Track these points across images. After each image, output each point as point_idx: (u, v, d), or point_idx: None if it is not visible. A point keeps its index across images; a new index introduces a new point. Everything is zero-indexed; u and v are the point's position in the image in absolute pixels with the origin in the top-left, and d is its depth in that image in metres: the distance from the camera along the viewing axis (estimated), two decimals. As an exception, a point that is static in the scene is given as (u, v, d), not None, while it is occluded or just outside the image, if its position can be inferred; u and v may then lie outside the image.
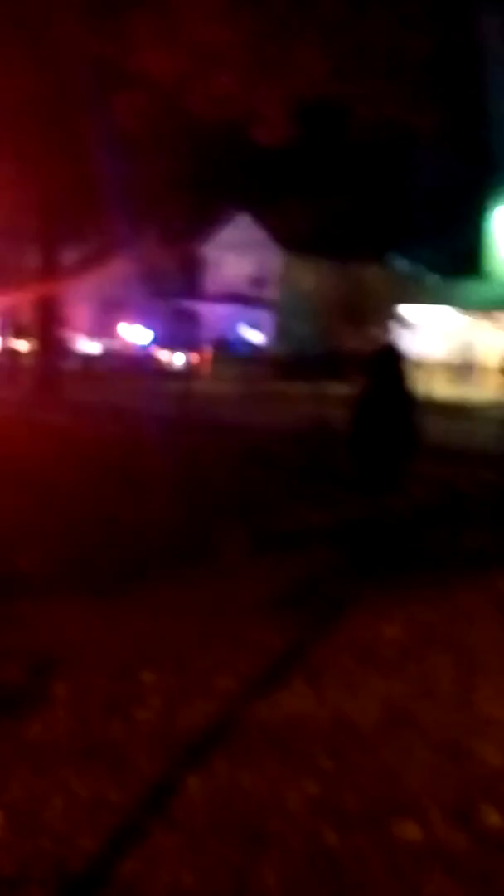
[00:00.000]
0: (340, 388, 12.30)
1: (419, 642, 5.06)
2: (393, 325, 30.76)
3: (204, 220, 37.94)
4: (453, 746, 3.80)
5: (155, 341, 39.16)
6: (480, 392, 21.75)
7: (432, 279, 37.22)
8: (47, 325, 22.84)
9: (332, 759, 3.66)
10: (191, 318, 43.48)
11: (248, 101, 6.19)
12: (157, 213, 24.10)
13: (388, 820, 3.22)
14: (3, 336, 32.69)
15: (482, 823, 3.23)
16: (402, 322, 32.32)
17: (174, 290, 43.51)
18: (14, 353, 30.25)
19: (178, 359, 35.72)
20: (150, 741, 3.71)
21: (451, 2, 5.63)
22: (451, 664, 4.74)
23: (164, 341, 37.78)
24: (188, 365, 33.89)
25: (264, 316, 43.40)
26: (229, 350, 36.44)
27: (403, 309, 31.46)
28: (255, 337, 42.72)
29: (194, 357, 35.03)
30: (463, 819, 3.25)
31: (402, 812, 3.27)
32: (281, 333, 41.28)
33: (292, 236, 40.68)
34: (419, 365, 11.24)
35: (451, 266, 36.56)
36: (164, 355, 36.26)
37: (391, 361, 9.79)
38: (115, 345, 39.27)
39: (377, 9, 5.31)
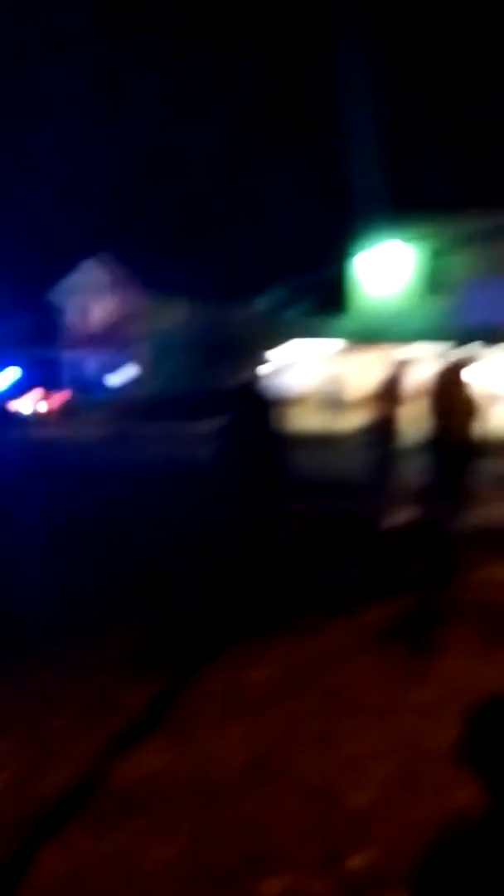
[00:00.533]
0: (205, 427, 12.27)
1: (287, 685, 4.97)
2: (258, 363, 31.14)
3: (61, 262, 37.73)
4: (319, 790, 3.72)
5: (14, 388, 38.56)
6: (347, 423, 22.20)
7: (297, 316, 38.00)
8: None
9: (194, 815, 3.52)
10: (51, 364, 42.97)
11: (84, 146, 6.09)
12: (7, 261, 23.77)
13: (252, 875, 3.10)
14: None
15: (347, 868, 3.15)
16: (267, 359, 32.76)
17: (32, 337, 43.02)
18: None
19: (39, 405, 35.27)
20: (-1, 818, 3.49)
21: (303, 35, 5.66)
22: (319, 705, 4.67)
23: (23, 388, 37.23)
24: (47, 410, 33.47)
25: (130, 357, 43.19)
26: (91, 393, 36.17)
27: (269, 346, 31.92)
28: (118, 379, 42.46)
29: (54, 402, 34.64)
30: (328, 865, 3.16)
31: (266, 864, 3.16)
32: (144, 375, 41.20)
33: (152, 277, 40.83)
34: (285, 400, 11.28)
35: (315, 303, 37.53)
36: (22, 402, 35.74)
37: (253, 398, 9.78)
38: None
39: (210, 48, 5.30)
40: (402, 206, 31.36)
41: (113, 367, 43.00)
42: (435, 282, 33.90)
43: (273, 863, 3.19)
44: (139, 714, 4.56)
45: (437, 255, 33.50)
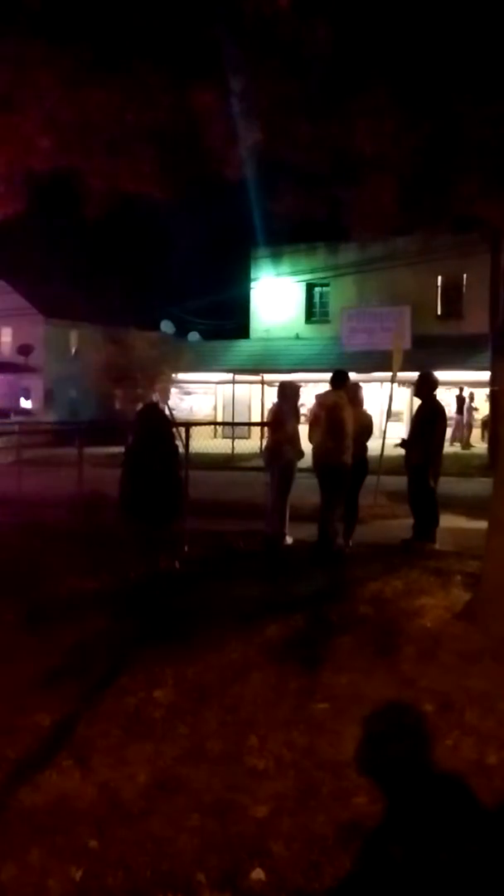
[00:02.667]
0: (111, 451, 12.27)
1: (189, 702, 5.03)
2: (161, 387, 31.24)
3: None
4: (221, 805, 3.79)
5: None
6: (246, 445, 22.51)
7: (198, 341, 38.45)
8: None
9: (97, 837, 3.55)
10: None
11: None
12: None
13: (155, 893, 3.15)
14: None
15: (248, 881, 3.23)
16: (170, 383, 32.93)
17: None
18: None
19: None
20: None
21: (182, 71, 5.85)
22: (220, 720, 4.75)
23: None
24: None
25: (34, 383, 42.71)
26: (-1, 419, 35.51)
27: (171, 370, 32.17)
28: (25, 404, 41.93)
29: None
30: (229, 880, 3.23)
31: (168, 883, 3.21)
32: (50, 400, 40.83)
33: (54, 303, 40.58)
34: (187, 423, 11.36)
35: (217, 328, 38.11)
36: None
37: (154, 421, 9.84)
38: None
39: (97, 82, 5.42)
40: (283, 237, 32.30)
41: (19, 393, 42.36)
42: (318, 311, 35.10)
43: (177, 880, 3.24)
44: (43, 738, 4.55)
45: (318, 285, 34.65)
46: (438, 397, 10.34)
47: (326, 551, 9.32)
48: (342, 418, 9.39)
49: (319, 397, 9.93)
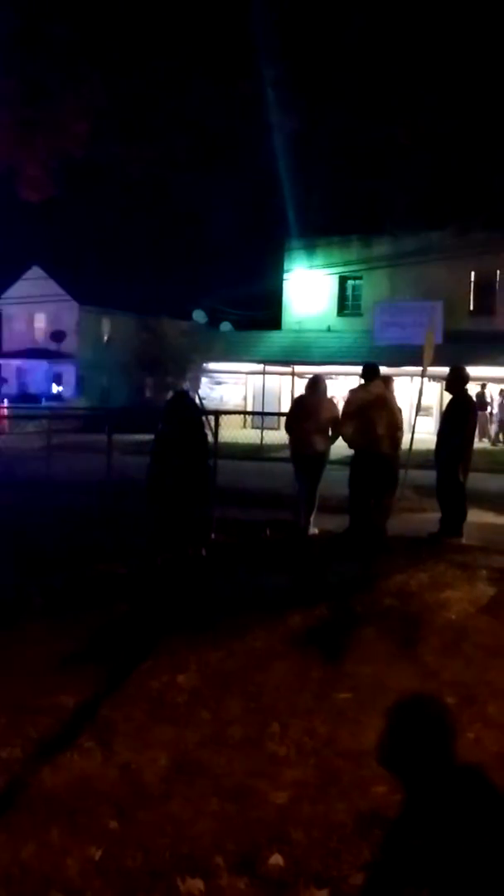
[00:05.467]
0: (140, 438, 12.33)
1: (212, 688, 5.06)
2: (192, 376, 31.35)
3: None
4: (241, 791, 3.81)
5: None
6: (275, 436, 22.51)
7: (230, 331, 38.46)
8: None
9: (117, 818, 3.57)
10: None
11: (8, 159, 6.16)
12: None
13: (173, 875, 3.17)
14: None
15: (266, 866, 3.24)
16: (201, 372, 33.03)
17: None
18: None
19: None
20: None
21: (222, 60, 5.82)
22: (242, 707, 4.76)
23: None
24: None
25: (66, 369, 43.01)
26: (31, 404, 35.74)
27: (203, 360, 32.23)
28: (56, 390, 42.24)
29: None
30: (248, 865, 3.24)
31: (187, 866, 3.23)
32: (83, 386, 41.07)
33: (88, 290, 40.79)
34: (216, 412, 11.39)
35: (249, 319, 38.10)
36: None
37: (184, 409, 9.87)
38: None
39: (135, 70, 5.43)
40: (317, 229, 32.21)
41: (55, 378, 42.67)
42: (350, 304, 34.98)
43: (195, 863, 3.26)
44: (66, 719, 4.59)
45: (352, 277, 34.51)
46: (469, 393, 10.29)
47: (355, 541, 9.35)
48: (380, 410, 9.44)
49: (355, 390, 9.93)
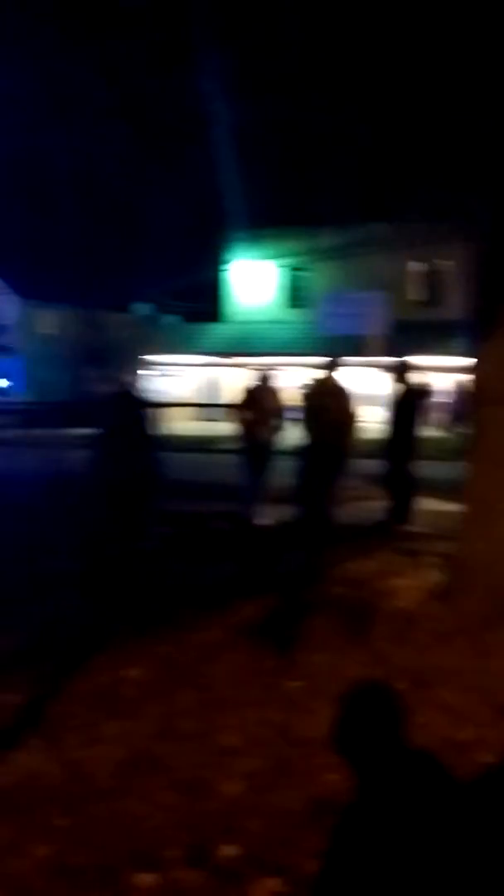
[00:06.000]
0: (86, 432, 12.21)
1: (163, 681, 5.02)
2: (137, 369, 31.15)
3: None
4: (193, 783, 3.78)
5: None
6: (222, 428, 22.51)
7: (174, 324, 38.31)
8: None
9: (68, 815, 3.52)
10: None
11: None
12: None
13: (126, 870, 3.13)
14: None
15: (219, 857, 3.22)
16: (146, 365, 32.84)
17: None
18: None
19: None
20: None
21: (165, 48, 5.73)
22: (194, 699, 4.73)
23: None
24: None
25: (8, 363, 42.44)
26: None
27: (147, 352, 32.06)
28: (1, 385, 41.70)
29: None
30: (201, 856, 3.22)
31: (139, 860, 3.19)
32: (27, 380, 40.59)
33: (30, 284, 40.31)
34: (163, 405, 11.33)
35: (194, 311, 37.99)
36: None
37: (128, 402, 9.78)
38: None
39: (71, 57, 5.34)
40: (263, 221, 32.23)
41: None
42: (296, 295, 35.08)
43: (147, 857, 3.23)
44: (14, 716, 4.51)
45: (297, 269, 34.61)
46: (415, 382, 10.37)
47: (302, 531, 9.37)
48: (328, 400, 9.47)
49: (303, 381, 9.95)
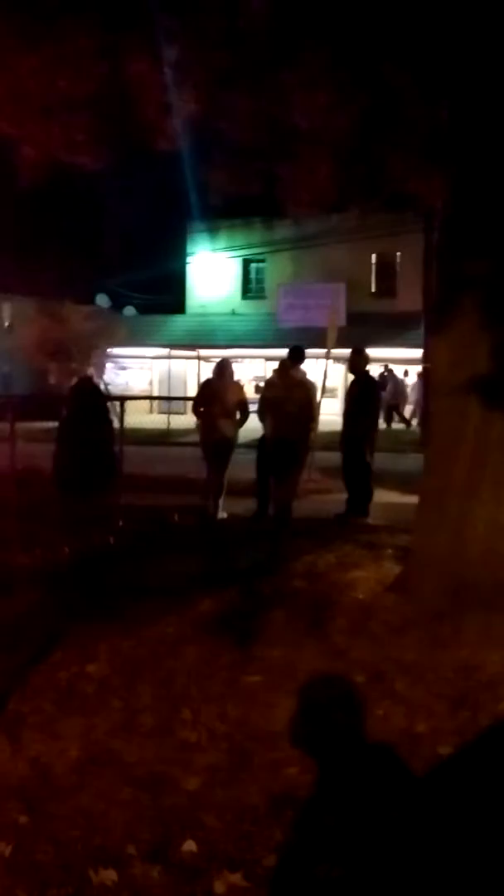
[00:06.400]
0: (45, 426, 12.14)
1: (122, 676, 5.02)
2: (97, 361, 30.98)
3: None
4: (153, 779, 3.80)
5: None
6: (182, 421, 22.49)
7: (134, 316, 38.11)
8: None
9: (27, 812, 3.52)
10: None
11: None
12: None
13: (85, 867, 3.14)
14: None
15: (179, 853, 3.24)
16: (105, 357, 32.69)
17: None
18: None
19: None
20: None
21: (120, 39, 5.72)
22: (153, 694, 4.75)
23: None
24: None
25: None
26: None
27: (107, 345, 31.90)
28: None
29: None
30: (161, 852, 3.24)
31: (99, 857, 3.21)
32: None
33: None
34: (122, 398, 11.28)
35: (153, 303, 37.86)
36: None
37: (88, 395, 9.75)
38: None
39: (28, 48, 5.31)
40: (219, 212, 32.18)
41: None
42: (253, 287, 35.13)
43: (108, 853, 3.24)
44: (-29, 714, 4.50)
45: (254, 260, 34.66)
46: (372, 374, 10.46)
47: (262, 525, 9.42)
48: (286, 392, 9.50)
49: (280, 375, 9.96)
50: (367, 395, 10.06)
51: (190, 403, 10.78)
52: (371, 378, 10.37)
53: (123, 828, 3.41)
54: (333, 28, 5.78)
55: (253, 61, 6.04)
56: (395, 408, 27.94)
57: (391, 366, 28.99)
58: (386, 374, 28.10)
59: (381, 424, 26.41)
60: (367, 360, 10.36)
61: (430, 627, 5.75)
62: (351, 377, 10.57)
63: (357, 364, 10.32)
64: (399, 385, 28.77)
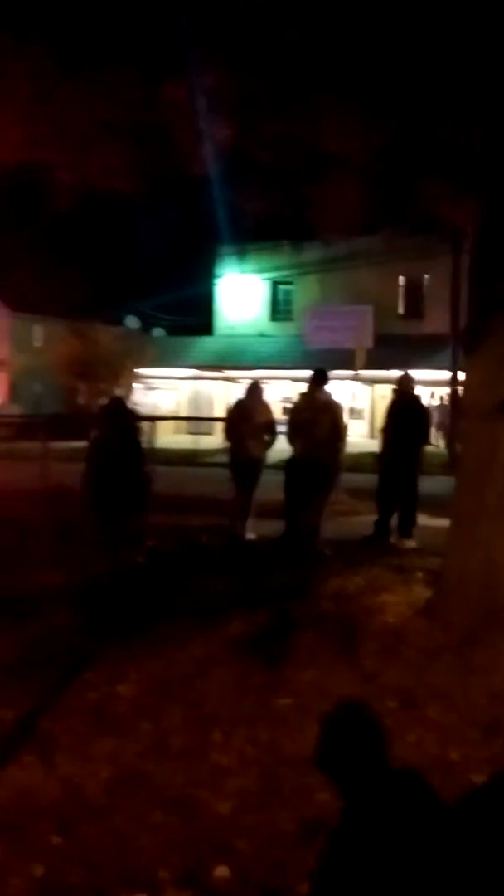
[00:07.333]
0: (75, 445, 12.24)
1: (153, 698, 5.03)
2: (126, 382, 31.21)
3: None
4: (184, 802, 3.80)
5: None
6: (209, 441, 22.54)
7: (163, 337, 38.41)
8: None
9: (60, 833, 3.53)
10: None
11: None
12: None
13: (117, 891, 3.14)
14: None
15: (211, 878, 3.24)
16: (134, 378, 32.90)
17: None
18: None
19: None
20: None
21: (153, 67, 5.83)
22: (184, 716, 4.75)
23: None
24: None
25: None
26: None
27: (136, 365, 32.13)
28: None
29: None
30: (193, 877, 3.23)
31: (131, 880, 3.21)
32: (15, 393, 40.53)
33: (19, 297, 40.28)
34: (150, 418, 11.34)
35: (181, 324, 38.14)
36: None
37: (119, 415, 9.80)
38: None
39: (68, 77, 5.42)
40: (248, 235, 32.38)
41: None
42: (282, 309, 35.26)
43: (138, 877, 3.24)
44: (4, 733, 4.52)
45: (282, 283, 34.80)
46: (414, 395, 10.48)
47: (292, 546, 9.40)
48: (315, 414, 9.51)
49: (290, 394, 10.01)
50: (415, 418, 10.08)
51: (217, 424, 10.79)
52: (418, 400, 10.40)
53: (155, 851, 3.40)
54: (366, 54, 5.83)
55: (286, 87, 6.10)
56: None
57: (421, 388, 28.89)
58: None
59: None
60: (412, 381, 10.43)
61: (462, 652, 5.70)
62: (394, 398, 10.54)
63: (405, 386, 10.35)
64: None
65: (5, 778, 4.02)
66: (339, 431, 9.81)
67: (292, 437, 9.80)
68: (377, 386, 28.31)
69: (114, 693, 5.10)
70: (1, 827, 3.58)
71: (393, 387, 11.02)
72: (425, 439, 10.17)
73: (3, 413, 35.83)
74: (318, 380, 9.90)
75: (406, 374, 10.50)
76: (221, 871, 3.26)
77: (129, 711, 4.83)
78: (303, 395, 10.18)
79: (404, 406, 10.28)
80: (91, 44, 5.58)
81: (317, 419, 9.60)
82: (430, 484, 14.48)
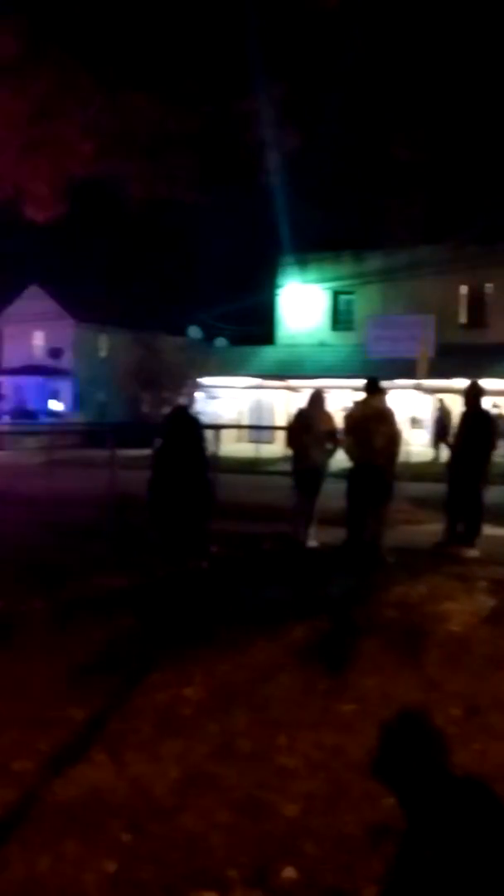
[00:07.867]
0: (139, 453, 12.42)
1: (218, 700, 5.09)
2: (188, 391, 31.48)
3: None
4: (252, 803, 3.84)
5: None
6: (271, 450, 22.60)
7: (225, 347, 38.66)
8: None
9: (130, 831, 3.60)
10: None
11: (14, 179, 6.28)
12: None
13: (187, 889, 3.20)
14: None
15: (279, 879, 3.27)
16: (197, 387, 33.17)
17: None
18: None
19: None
20: None
21: (222, 80, 5.94)
22: (249, 719, 4.79)
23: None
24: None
25: (64, 385, 43.10)
26: (29, 420, 35.82)
27: (198, 374, 32.40)
28: (56, 406, 42.30)
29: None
30: (261, 878, 3.27)
31: (200, 879, 3.26)
32: (80, 402, 41.19)
33: (85, 307, 40.97)
34: (214, 427, 11.45)
35: (243, 334, 38.36)
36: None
37: (184, 423, 9.92)
38: None
39: (139, 90, 5.54)
40: (310, 245, 32.42)
41: (53, 395, 42.78)
42: (343, 318, 35.17)
43: (207, 876, 3.28)
44: (76, 732, 4.62)
45: (344, 292, 34.72)
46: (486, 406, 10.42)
47: (354, 554, 9.41)
48: (378, 423, 9.52)
49: (351, 403, 10.03)
50: (484, 427, 10.03)
51: (278, 433, 10.87)
52: (485, 410, 10.35)
53: (224, 851, 3.45)
54: (436, 63, 5.87)
55: (355, 98, 6.17)
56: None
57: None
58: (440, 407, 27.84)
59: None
60: (481, 391, 10.37)
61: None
62: (465, 408, 10.49)
63: (473, 396, 10.31)
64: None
65: (77, 776, 4.10)
66: (394, 438, 9.78)
67: (346, 445, 9.84)
68: (441, 395, 28.16)
69: (180, 695, 5.17)
70: (74, 823, 3.65)
71: (461, 396, 10.95)
72: (490, 449, 10.09)
73: (68, 421, 36.45)
74: (370, 389, 9.92)
75: (474, 382, 10.44)
76: (289, 873, 3.30)
77: (196, 714, 4.90)
78: (357, 403, 10.20)
79: (470, 417, 10.23)
80: (161, 58, 5.71)
81: (370, 427, 9.60)
82: (495, 493, 14.36)
